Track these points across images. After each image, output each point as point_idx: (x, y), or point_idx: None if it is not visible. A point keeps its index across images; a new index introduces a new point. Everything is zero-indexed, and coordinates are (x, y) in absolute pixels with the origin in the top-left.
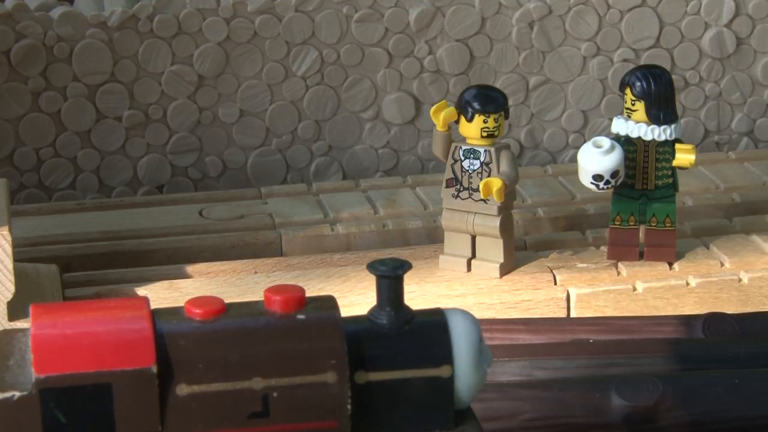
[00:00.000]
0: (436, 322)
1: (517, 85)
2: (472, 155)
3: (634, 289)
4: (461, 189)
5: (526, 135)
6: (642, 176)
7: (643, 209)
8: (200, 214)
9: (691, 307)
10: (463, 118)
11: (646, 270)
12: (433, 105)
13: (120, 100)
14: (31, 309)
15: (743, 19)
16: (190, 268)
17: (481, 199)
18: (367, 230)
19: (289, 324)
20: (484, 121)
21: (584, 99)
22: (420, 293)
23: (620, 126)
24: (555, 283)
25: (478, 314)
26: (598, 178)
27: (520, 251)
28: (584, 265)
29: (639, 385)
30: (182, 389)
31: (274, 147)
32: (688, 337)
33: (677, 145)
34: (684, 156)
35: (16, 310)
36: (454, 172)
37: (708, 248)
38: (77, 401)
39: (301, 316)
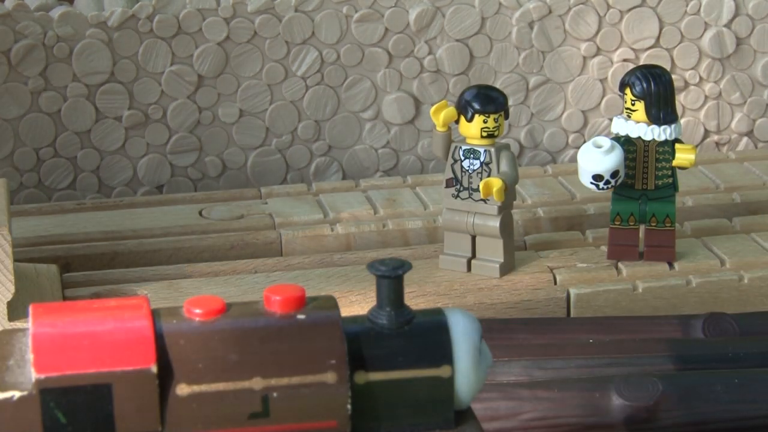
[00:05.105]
0: (436, 322)
1: (517, 85)
2: (472, 155)
3: (634, 289)
4: (461, 189)
5: (526, 135)
6: (642, 176)
7: (643, 209)
8: (200, 214)
9: (691, 307)
10: (463, 118)
11: (646, 270)
12: (433, 105)
13: (120, 100)
14: (31, 309)
15: (743, 19)
16: (190, 268)
17: (481, 199)
18: (367, 230)
19: (289, 324)
20: (484, 121)
21: (584, 99)
22: (420, 293)
23: (620, 126)
24: (555, 283)
25: (478, 314)
26: (598, 178)
27: (520, 251)
28: (584, 265)
29: (639, 385)
30: (182, 389)
31: (274, 147)
32: (688, 337)
33: (677, 145)
34: (684, 156)
35: (16, 310)
36: (454, 172)
37: (708, 248)
38: (77, 401)
39: (301, 316)
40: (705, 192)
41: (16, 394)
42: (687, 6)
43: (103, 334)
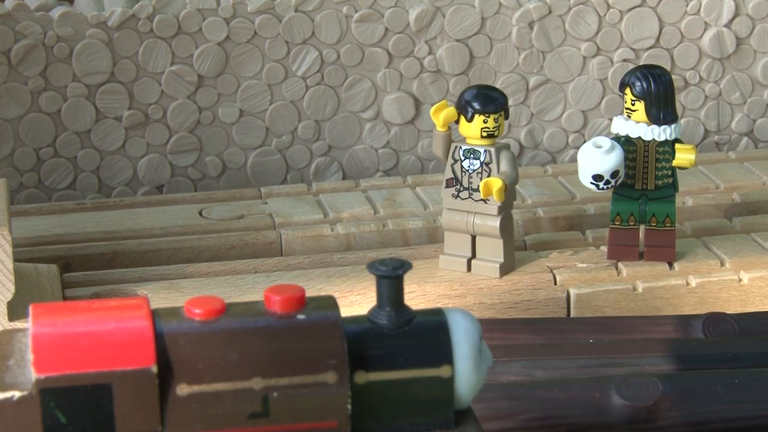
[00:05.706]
0: (436, 322)
1: (517, 85)
2: (472, 155)
3: (634, 289)
4: (461, 189)
5: (526, 135)
6: (642, 176)
7: (643, 209)
8: (200, 214)
9: (691, 307)
10: (463, 118)
11: (646, 270)
12: (433, 105)
13: (120, 100)
14: (31, 309)
15: (743, 19)
16: (190, 268)
17: (481, 199)
18: (367, 230)
19: (289, 324)
20: (484, 121)
21: (584, 99)
22: (420, 293)
23: (620, 126)
24: (555, 283)
25: (478, 314)
26: (598, 178)
27: (520, 251)
28: (584, 265)
29: (639, 385)
30: (182, 389)
31: (274, 147)
32: (688, 337)
33: (677, 145)
34: (684, 156)
35: (16, 310)
36: (454, 172)
37: (708, 248)
38: (77, 401)
39: (301, 316)
40: (705, 192)
41: (16, 394)
42: (687, 6)
43: (103, 334)
